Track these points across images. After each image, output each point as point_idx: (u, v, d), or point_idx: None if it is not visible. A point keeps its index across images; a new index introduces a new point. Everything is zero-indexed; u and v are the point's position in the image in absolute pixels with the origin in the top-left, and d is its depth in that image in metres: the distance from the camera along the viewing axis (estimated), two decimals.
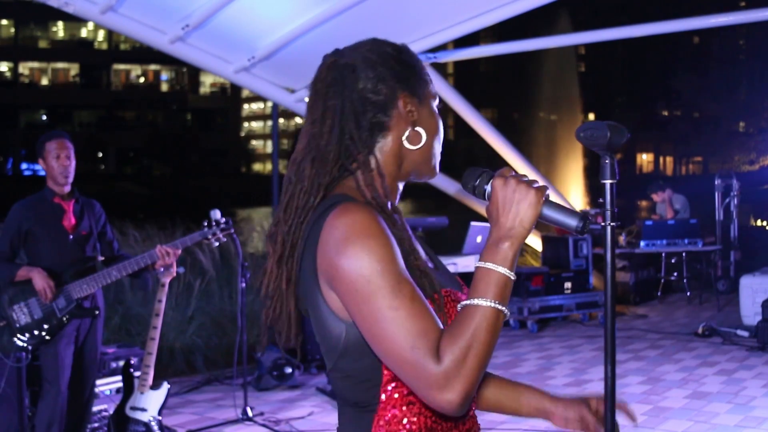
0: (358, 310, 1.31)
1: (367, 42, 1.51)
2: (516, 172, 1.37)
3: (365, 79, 1.45)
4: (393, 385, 1.37)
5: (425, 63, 1.49)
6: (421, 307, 1.29)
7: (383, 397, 1.38)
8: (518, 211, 1.33)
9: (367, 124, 1.44)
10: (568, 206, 1.36)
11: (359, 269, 1.29)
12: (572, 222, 1.33)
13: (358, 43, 1.51)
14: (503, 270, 1.31)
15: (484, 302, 1.29)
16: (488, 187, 1.38)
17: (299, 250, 1.40)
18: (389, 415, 1.38)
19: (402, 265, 1.32)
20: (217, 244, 4.36)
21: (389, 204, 1.42)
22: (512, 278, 1.32)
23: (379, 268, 1.29)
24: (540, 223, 1.37)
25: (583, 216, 1.34)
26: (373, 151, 1.45)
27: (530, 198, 1.33)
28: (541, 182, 1.36)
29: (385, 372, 1.37)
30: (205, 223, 4.32)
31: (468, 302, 1.30)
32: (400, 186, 1.51)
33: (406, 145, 1.46)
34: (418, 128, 1.47)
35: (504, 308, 1.30)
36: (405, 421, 1.37)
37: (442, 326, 1.30)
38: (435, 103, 1.51)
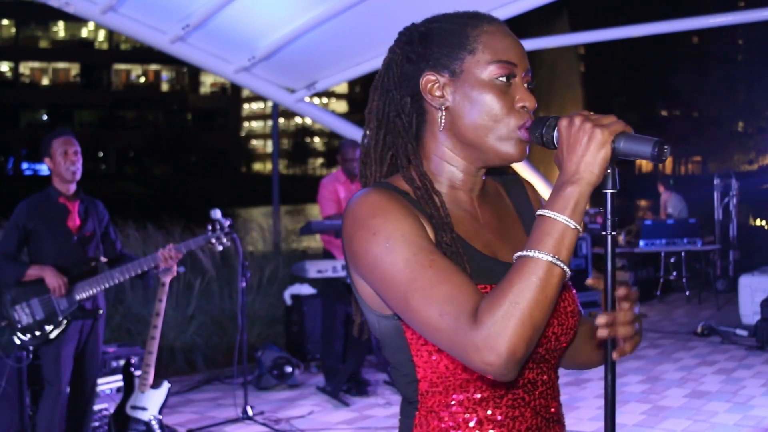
0: (384, 293, 1.23)
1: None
2: (589, 113, 1.22)
3: (398, 63, 1.36)
4: (428, 384, 1.30)
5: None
6: (444, 272, 1.18)
7: (420, 395, 1.31)
8: (584, 153, 1.17)
9: (405, 111, 1.36)
10: (642, 136, 1.19)
11: (370, 250, 1.22)
12: (646, 150, 1.16)
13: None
14: (561, 218, 1.16)
15: (536, 254, 1.14)
16: (556, 133, 1.24)
17: None
18: (428, 414, 1.31)
19: (420, 237, 1.22)
20: (220, 248, 4.35)
21: (469, 192, 1.37)
22: (572, 227, 1.16)
23: (388, 245, 1.20)
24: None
25: (659, 142, 1.16)
26: (414, 137, 1.36)
27: (597, 138, 1.16)
28: (614, 119, 1.19)
29: (419, 369, 1.29)
30: (209, 227, 4.31)
31: (520, 254, 1.17)
32: (476, 171, 1.37)
33: (441, 128, 1.33)
34: (446, 110, 1.32)
35: (558, 261, 1.14)
36: (442, 423, 1.29)
37: (474, 289, 1.18)
38: (492, 73, 1.30)
